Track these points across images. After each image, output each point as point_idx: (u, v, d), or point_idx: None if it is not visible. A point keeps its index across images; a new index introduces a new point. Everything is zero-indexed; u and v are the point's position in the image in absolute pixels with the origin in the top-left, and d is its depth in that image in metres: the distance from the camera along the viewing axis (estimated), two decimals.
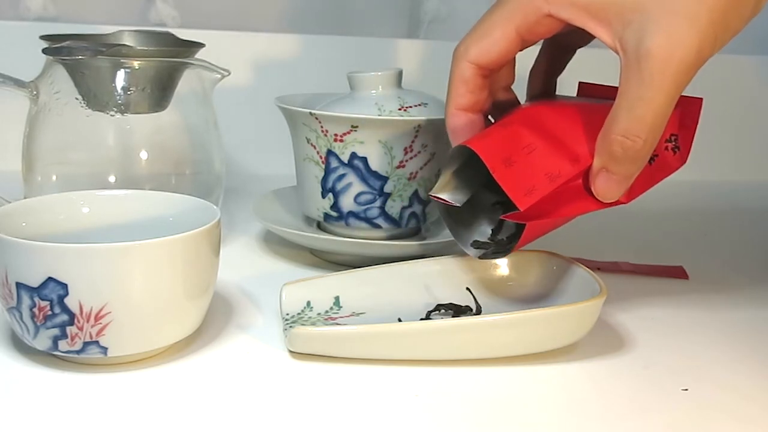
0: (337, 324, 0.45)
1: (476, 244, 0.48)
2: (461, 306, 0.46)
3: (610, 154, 0.40)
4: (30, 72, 0.56)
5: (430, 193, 0.46)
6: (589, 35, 0.41)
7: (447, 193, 0.45)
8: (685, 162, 0.45)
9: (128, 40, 0.58)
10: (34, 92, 0.55)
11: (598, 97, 0.47)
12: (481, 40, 0.43)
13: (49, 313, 0.37)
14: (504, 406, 0.38)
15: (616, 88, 0.45)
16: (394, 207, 0.54)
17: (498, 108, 0.48)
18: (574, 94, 0.50)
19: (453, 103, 0.45)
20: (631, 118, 0.39)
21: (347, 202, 0.54)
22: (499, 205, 0.48)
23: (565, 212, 0.42)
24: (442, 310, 0.46)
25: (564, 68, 0.49)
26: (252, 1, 0.88)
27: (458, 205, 0.46)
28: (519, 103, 0.49)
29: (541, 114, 0.44)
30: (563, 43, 0.47)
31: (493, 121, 0.48)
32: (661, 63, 0.37)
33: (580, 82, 0.50)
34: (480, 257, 0.47)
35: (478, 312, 0.46)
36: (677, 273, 0.58)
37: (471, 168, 0.45)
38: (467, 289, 0.47)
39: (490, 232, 0.48)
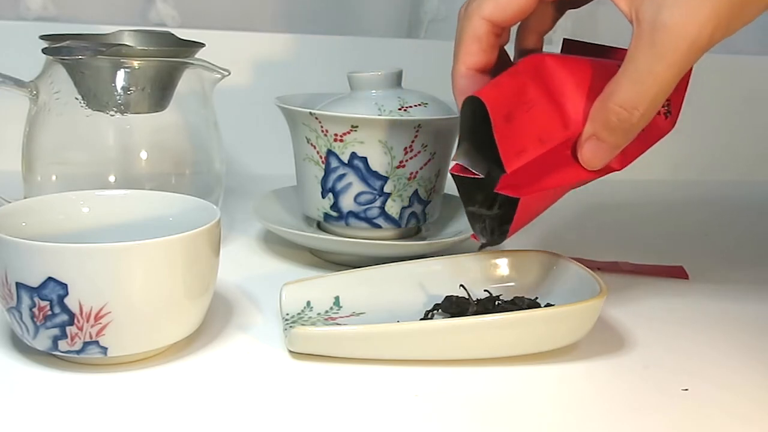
0: (337, 324, 0.45)
1: (473, 218, 0.46)
2: (461, 297, 0.46)
3: (605, 123, 0.40)
4: (30, 72, 0.56)
5: (452, 159, 0.44)
6: None
7: (466, 160, 0.43)
8: (674, 125, 0.44)
9: (128, 40, 0.57)
10: (34, 92, 0.55)
11: (585, 55, 0.46)
12: None
13: (49, 313, 0.37)
14: (504, 406, 0.38)
15: (602, 46, 0.43)
16: (394, 207, 0.54)
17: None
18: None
19: (463, 62, 0.44)
20: (633, 89, 0.39)
21: (347, 202, 0.54)
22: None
23: (553, 181, 0.41)
24: (440, 310, 0.46)
25: (553, 26, 0.48)
26: (252, 1, 0.88)
27: (481, 175, 0.43)
28: (512, 63, 0.47)
29: (548, 67, 0.43)
30: (559, 2, 0.46)
31: None
32: (675, 38, 0.37)
33: (564, 39, 0.49)
34: (480, 247, 0.47)
35: (478, 308, 0.46)
36: (677, 273, 0.58)
37: (484, 145, 0.43)
38: (461, 286, 0.47)
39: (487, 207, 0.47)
